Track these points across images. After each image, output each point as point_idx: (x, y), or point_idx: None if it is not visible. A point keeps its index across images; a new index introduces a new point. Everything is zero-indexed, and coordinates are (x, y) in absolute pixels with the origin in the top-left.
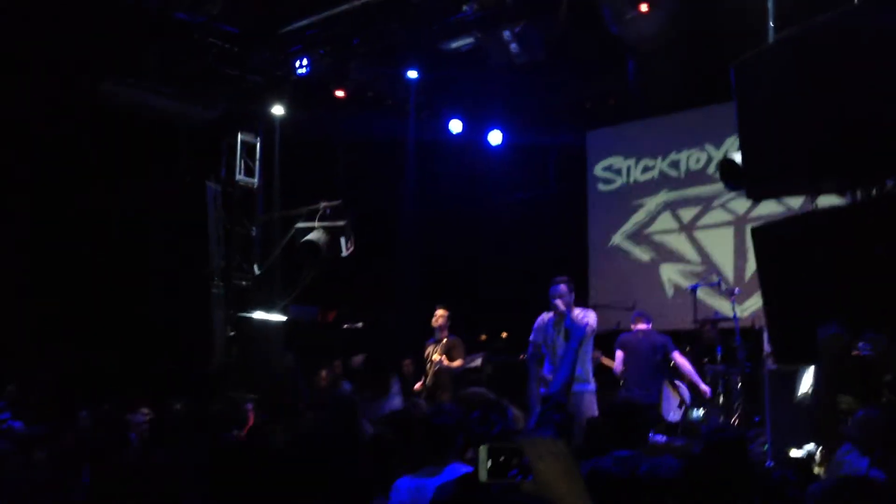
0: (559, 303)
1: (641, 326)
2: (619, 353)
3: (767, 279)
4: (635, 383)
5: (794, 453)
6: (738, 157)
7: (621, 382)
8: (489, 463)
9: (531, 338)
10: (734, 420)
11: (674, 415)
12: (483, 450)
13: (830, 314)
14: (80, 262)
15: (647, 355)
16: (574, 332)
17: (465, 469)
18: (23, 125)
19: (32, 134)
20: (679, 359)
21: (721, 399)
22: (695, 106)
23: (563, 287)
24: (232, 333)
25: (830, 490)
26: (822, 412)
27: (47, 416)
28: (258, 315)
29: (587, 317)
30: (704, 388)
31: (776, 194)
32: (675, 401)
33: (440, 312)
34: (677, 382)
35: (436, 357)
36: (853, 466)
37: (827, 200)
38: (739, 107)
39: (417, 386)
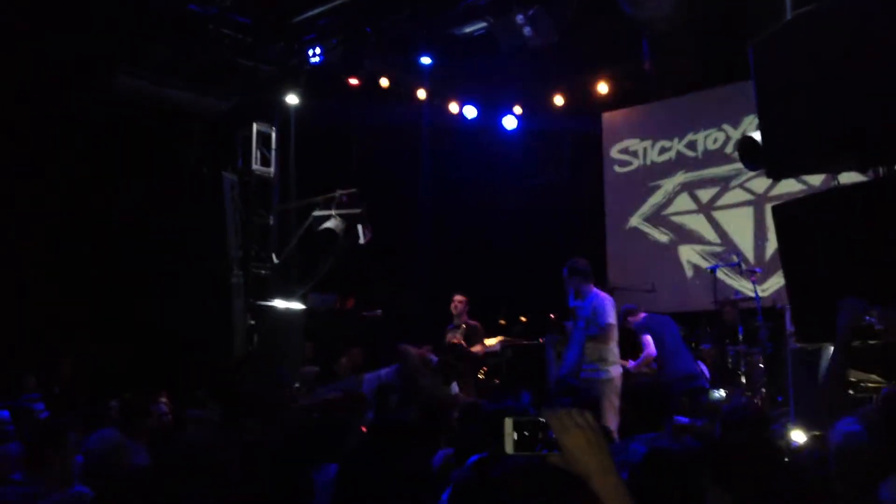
0: (568, 286)
1: (642, 315)
2: (647, 337)
3: (789, 258)
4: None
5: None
6: (756, 136)
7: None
8: (515, 436)
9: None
10: (757, 400)
11: None
12: (508, 423)
13: (853, 292)
14: (98, 255)
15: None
16: (579, 312)
17: None
18: (38, 119)
19: (49, 128)
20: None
21: (743, 379)
22: (711, 86)
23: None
24: (252, 322)
25: None
26: (833, 381)
27: (70, 408)
28: (277, 304)
29: (595, 300)
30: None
31: (796, 173)
32: None
33: (458, 298)
34: (698, 362)
35: (454, 341)
36: None
37: (848, 178)
38: (758, 85)
39: None
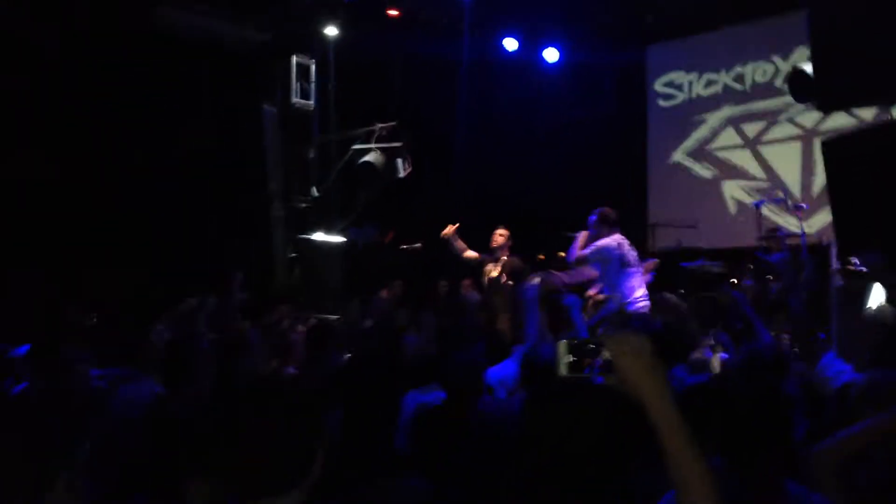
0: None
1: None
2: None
3: (838, 193)
4: None
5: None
6: (808, 68)
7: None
8: (569, 358)
9: None
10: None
11: None
12: (563, 344)
13: None
14: (138, 191)
15: None
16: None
17: None
18: (78, 52)
19: (89, 61)
20: None
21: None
22: (760, 16)
23: (593, 219)
24: (293, 255)
25: None
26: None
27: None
28: (318, 237)
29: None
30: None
31: (849, 105)
32: None
33: (500, 232)
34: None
35: (494, 274)
36: (836, 370)
37: None
38: (811, 14)
39: None
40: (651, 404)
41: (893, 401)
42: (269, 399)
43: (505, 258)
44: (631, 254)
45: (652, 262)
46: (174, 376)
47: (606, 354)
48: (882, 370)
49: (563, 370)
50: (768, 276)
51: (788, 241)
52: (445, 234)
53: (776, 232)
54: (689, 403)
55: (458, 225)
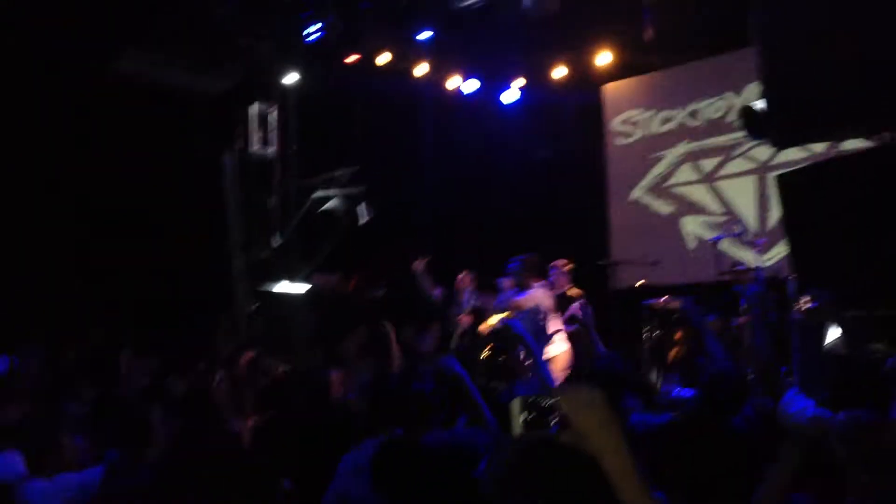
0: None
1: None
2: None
3: (792, 226)
4: None
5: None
6: (759, 105)
7: None
8: (524, 416)
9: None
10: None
11: None
12: (517, 402)
13: (859, 260)
14: (97, 240)
15: None
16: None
17: None
18: (38, 105)
19: (48, 113)
20: None
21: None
22: (713, 54)
23: (516, 267)
24: (255, 307)
25: None
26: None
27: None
28: (281, 287)
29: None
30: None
31: (802, 142)
32: None
33: (463, 276)
34: None
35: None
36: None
37: (852, 145)
38: (762, 53)
39: None
40: (605, 457)
41: (875, 440)
42: (230, 467)
43: (472, 305)
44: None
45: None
46: (130, 439)
47: (560, 410)
48: (863, 410)
49: (518, 428)
50: (732, 312)
51: (751, 276)
52: (415, 268)
53: (739, 266)
54: (652, 444)
55: (427, 259)
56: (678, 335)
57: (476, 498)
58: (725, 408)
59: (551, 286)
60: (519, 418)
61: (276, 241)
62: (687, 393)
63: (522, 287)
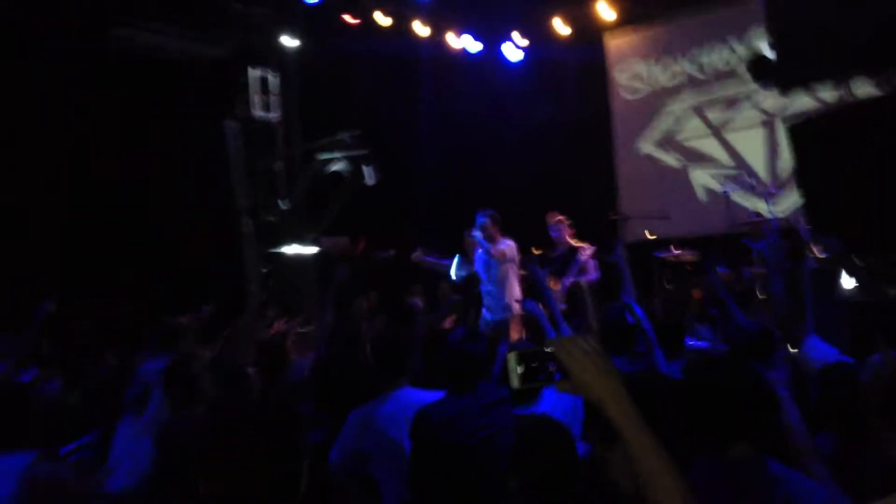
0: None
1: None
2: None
3: (806, 176)
4: None
5: None
6: (765, 50)
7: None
8: (520, 369)
9: None
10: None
11: None
12: (512, 357)
13: (872, 206)
14: (104, 212)
15: None
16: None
17: None
18: (34, 75)
19: (45, 84)
20: None
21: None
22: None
23: (484, 220)
24: (265, 270)
25: None
26: None
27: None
28: (290, 249)
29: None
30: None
31: (809, 82)
32: None
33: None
34: None
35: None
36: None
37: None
38: None
39: None
40: (607, 404)
41: None
42: (260, 422)
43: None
44: None
45: None
46: (175, 399)
47: (557, 360)
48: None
49: (515, 382)
50: (741, 262)
51: (765, 226)
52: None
53: (758, 217)
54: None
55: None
56: (696, 292)
57: None
58: (756, 359)
59: (557, 241)
60: (517, 370)
61: (285, 205)
62: (701, 345)
63: (491, 240)
